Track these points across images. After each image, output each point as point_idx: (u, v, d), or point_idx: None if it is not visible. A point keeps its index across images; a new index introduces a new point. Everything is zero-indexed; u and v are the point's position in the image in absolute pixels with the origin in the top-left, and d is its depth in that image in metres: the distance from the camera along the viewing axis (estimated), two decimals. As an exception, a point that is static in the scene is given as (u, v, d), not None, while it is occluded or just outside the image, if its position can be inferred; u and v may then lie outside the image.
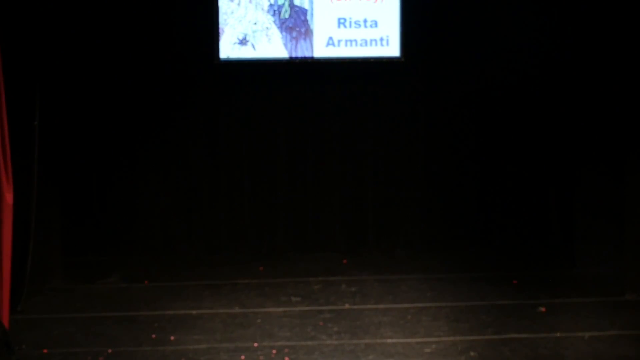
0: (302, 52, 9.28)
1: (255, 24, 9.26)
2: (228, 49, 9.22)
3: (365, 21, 9.20)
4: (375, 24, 9.10)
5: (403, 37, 8.85)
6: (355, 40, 9.18)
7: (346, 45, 8.96)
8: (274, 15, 9.24)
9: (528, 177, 9.13)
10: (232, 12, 9.21)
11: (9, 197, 6.43)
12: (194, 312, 7.59)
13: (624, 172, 7.86)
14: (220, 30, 9.16)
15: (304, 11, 9.26)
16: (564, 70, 8.74)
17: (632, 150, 7.71)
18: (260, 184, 9.22)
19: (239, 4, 9.20)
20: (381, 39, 9.27)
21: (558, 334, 7.05)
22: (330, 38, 9.18)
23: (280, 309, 7.70)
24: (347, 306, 7.76)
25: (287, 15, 9.23)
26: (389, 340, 6.99)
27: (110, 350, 6.76)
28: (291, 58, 9.28)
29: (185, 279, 8.48)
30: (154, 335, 7.11)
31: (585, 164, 8.53)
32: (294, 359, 6.64)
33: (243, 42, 9.27)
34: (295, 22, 9.27)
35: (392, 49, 8.91)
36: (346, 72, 8.99)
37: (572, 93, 8.68)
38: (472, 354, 6.69)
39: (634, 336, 6.91)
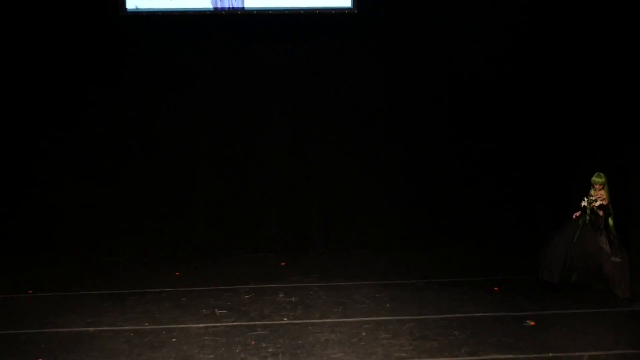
0: (229, 1, 8.51)
1: (171, -32, 8.63)
2: (137, -2, 8.51)
3: (308, -34, 8.64)
4: (321, -32, 8.59)
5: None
6: (297, -11, 8.59)
7: (285, -6, 8.49)
8: (195, -41, 8.58)
9: (512, 163, 9.24)
10: (142, -46, 8.51)
11: None
12: (91, 329, 7.17)
13: (627, 175, 7.91)
14: (127, -24, 8.51)
15: (232, -46, 8.65)
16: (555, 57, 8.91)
17: (636, 156, 7.73)
18: (175, 168, 9.07)
19: (149, -57, 8.54)
20: (328, -13, 8.73)
21: (550, 355, 6.63)
22: (266, -15, 8.57)
23: (201, 325, 7.26)
24: (285, 320, 7.38)
25: (211, -41, 8.59)
26: (339, 364, 6.55)
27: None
28: (216, 9, 8.53)
29: (80, 287, 8.16)
30: (39, 360, 6.59)
31: (584, 159, 8.66)
32: (217, 390, 6.25)
33: (156, -10, 8.60)
34: (222, -33, 8.66)
35: (343, -2, 8.54)
36: (285, 26, 8.80)
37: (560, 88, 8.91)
38: (442, 381, 6.33)
39: (644, 356, 6.65)
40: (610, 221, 8.03)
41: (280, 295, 8.04)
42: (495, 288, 8.16)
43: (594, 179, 8.03)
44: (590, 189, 8.02)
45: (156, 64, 8.84)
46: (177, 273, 8.61)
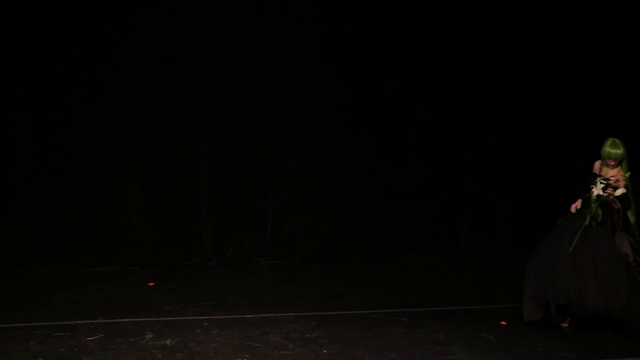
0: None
1: None
2: None
3: None
4: None
5: None
6: None
7: None
8: None
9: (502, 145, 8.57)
10: None
11: None
12: None
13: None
14: None
15: None
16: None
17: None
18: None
19: None
20: None
21: None
22: None
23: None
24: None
25: None
26: None
27: None
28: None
29: None
30: None
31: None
32: None
33: None
34: None
35: None
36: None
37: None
38: None
39: None
40: (632, 218, 6.65)
41: (147, 336, 6.44)
42: (502, 322, 6.73)
43: (607, 149, 6.59)
44: (600, 166, 6.78)
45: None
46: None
